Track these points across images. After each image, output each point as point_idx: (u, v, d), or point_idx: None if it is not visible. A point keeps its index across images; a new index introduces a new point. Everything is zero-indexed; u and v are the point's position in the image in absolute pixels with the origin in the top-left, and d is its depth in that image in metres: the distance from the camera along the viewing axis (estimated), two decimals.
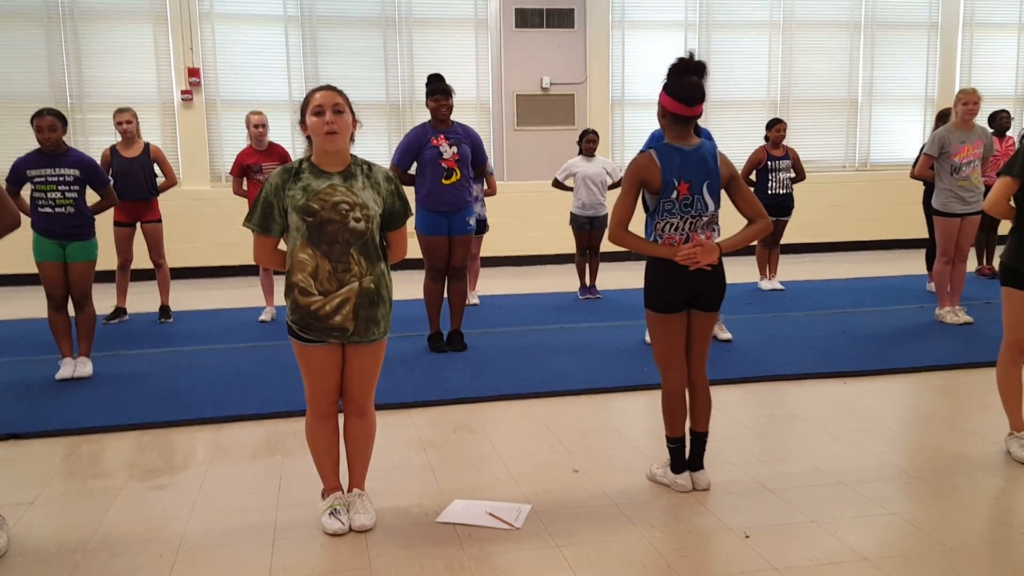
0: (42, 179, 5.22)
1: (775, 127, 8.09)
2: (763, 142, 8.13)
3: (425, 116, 5.93)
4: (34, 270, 5.38)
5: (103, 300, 7.35)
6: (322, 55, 10.06)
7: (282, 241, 3.14)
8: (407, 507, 3.41)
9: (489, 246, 9.50)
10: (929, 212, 7.37)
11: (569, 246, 8.21)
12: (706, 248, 3.28)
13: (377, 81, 10.17)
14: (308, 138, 3.07)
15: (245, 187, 7.00)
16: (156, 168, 7.18)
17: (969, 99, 6.22)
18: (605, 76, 10.62)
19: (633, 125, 10.80)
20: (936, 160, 6.31)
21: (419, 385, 5.12)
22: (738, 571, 2.85)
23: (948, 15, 11.29)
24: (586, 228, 7.89)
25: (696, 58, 3.28)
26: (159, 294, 7.32)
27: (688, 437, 3.53)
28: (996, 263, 8.63)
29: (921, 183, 7.43)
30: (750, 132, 6.24)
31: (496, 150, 10.49)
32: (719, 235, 3.41)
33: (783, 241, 8.46)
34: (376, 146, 9.71)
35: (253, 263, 9.28)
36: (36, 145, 5.31)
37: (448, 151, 5.74)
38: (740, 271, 8.57)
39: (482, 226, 7.56)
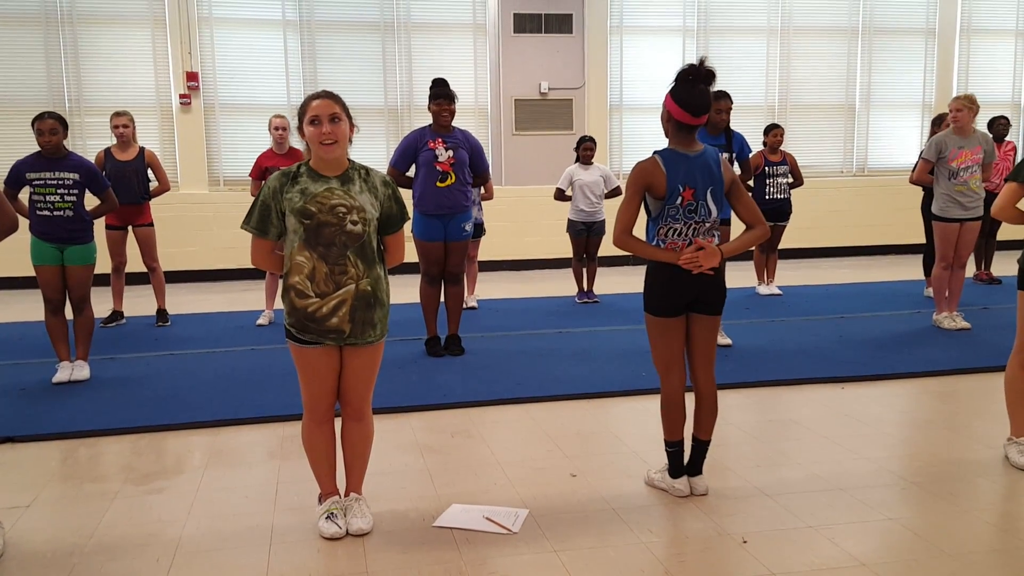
0: (41, 182, 5.21)
1: (772, 132, 8.12)
2: (761, 147, 8.15)
3: (423, 120, 5.93)
4: (32, 273, 5.37)
5: (99, 304, 7.36)
6: (321, 60, 10.07)
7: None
8: (404, 511, 3.40)
9: (487, 250, 9.50)
10: (928, 217, 7.39)
11: (567, 250, 8.22)
12: (708, 252, 3.28)
13: (375, 86, 10.18)
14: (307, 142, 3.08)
15: (263, 188, 7.00)
16: (150, 172, 7.18)
17: (952, 106, 6.29)
18: (603, 81, 10.64)
19: (631, 130, 10.82)
20: (935, 165, 6.33)
21: (417, 389, 5.12)
22: None
23: (945, 21, 11.32)
24: (583, 234, 7.90)
25: (706, 65, 3.26)
26: (155, 298, 7.30)
27: (689, 442, 3.53)
28: (994, 269, 8.64)
29: (920, 188, 7.44)
30: (748, 137, 6.27)
31: (494, 155, 10.50)
32: (718, 241, 3.41)
33: (781, 246, 8.47)
34: (374, 151, 9.71)
35: (250, 267, 9.27)
36: (35, 148, 5.31)
37: (444, 154, 5.74)
38: (738, 276, 8.57)
39: (479, 230, 7.57)
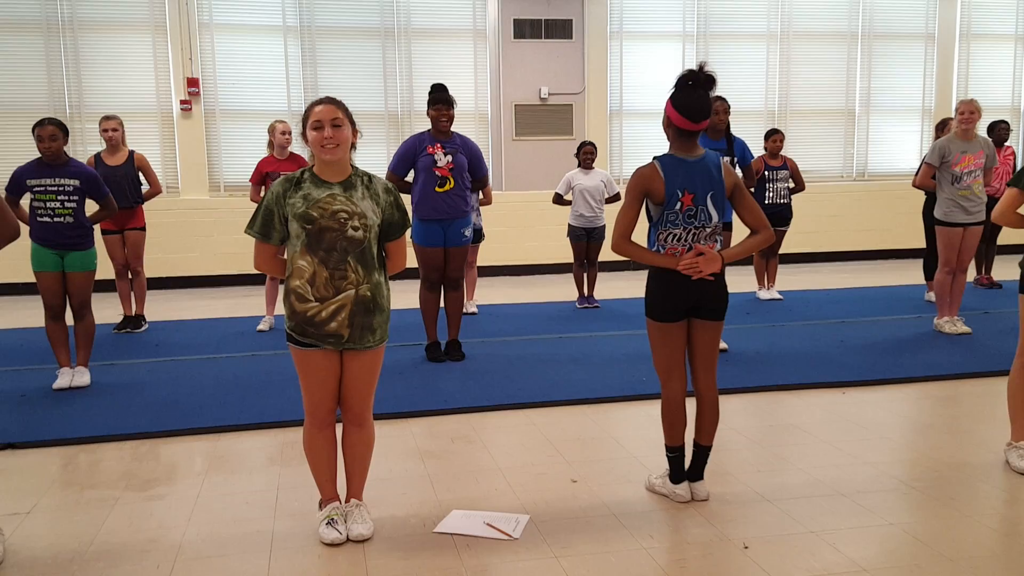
0: (41, 188, 5.22)
1: (773, 137, 8.13)
2: (761, 153, 8.16)
3: (424, 125, 5.94)
4: (32, 279, 5.37)
5: (104, 309, 7.36)
6: (321, 65, 10.09)
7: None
8: (405, 517, 3.40)
9: (487, 256, 9.51)
10: (928, 222, 7.39)
11: (567, 255, 8.22)
12: (708, 257, 3.28)
13: (376, 91, 10.20)
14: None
15: (263, 194, 7.02)
16: (141, 176, 7.17)
17: (965, 109, 6.25)
18: (603, 86, 10.65)
19: (631, 135, 10.83)
20: (938, 170, 6.33)
21: (417, 395, 5.12)
22: None
23: (945, 26, 11.34)
24: (583, 239, 7.90)
25: (706, 70, 3.26)
26: (135, 302, 7.29)
27: (691, 447, 3.52)
28: (995, 273, 8.64)
29: (921, 193, 7.45)
30: (748, 142, 6.28)
31: (494, 160, 10.51)
32: (720, 246, 3.40)
33: (781, 251, 8.47)
34: (375, 156, 9.72)
35: (251, 273, 9.27)
36: (36, 154, 5.31)
37: (443, 159, 5.74)
38: (738, 281, 8.57)
39: (478, 235, 7.57)
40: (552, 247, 9.97)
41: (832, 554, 3.02)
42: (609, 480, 3.76)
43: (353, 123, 3.10)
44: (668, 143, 3.39)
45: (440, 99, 5.76)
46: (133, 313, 7.29)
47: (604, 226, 7.85)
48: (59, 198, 5.23)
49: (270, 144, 6.97)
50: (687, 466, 3.52)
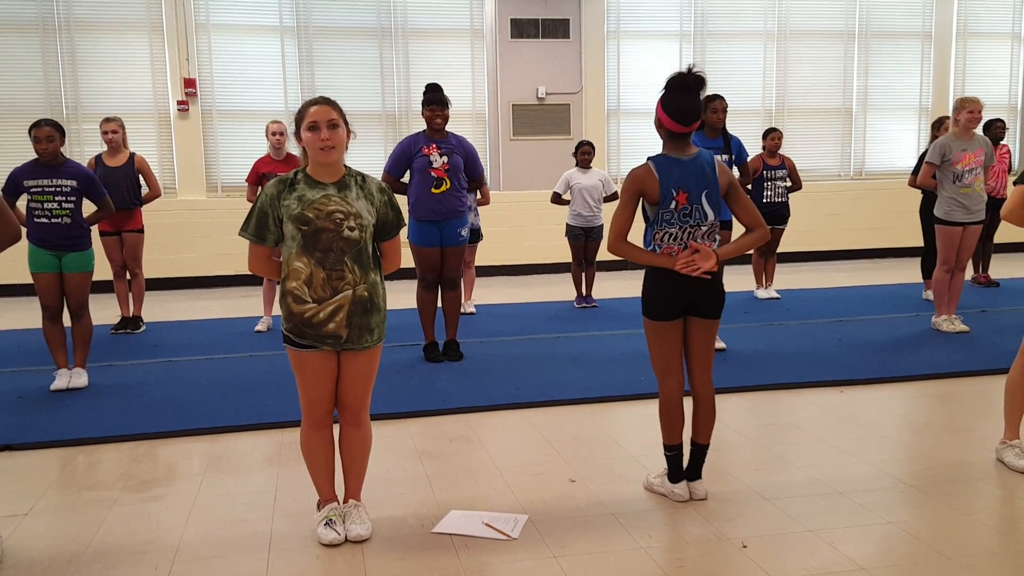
0: (39, 189, 5.21)
1: (771, 136, 8.14)
2: (759, 151, 8.17)
3: (421, 125, 5.93)
4: (29, 280, 5.36)
5: (101, 310, 7.35)
6: (318, 65, 10.08)
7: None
8: (403, 517, 3.40)
9: (485, 255, 9.50)
10: (927, 220, 7.39)
11: (565, 255, 8.21)
12: (704, 254, 3.28)
13: (373, 91, 10.19)
14: (304, 149, 3.09)
15: (260, 195, 7.01)
16: (140, 179, 7.17)
17: (975, 107, 6.23)
18: (601, 86, 10.65)
19: (629, 135, 10.83)
20: (938, 168, 6.32)
21: (415, 395, 5.11)
22: None
23: (942, 24, 11.35)
24: (581, 239, 7.90)
25: (695, 71, 3.24)
26: (132, 304, 7.28)
27: (688, 447, 3.53)
28: (992, 272, 8.64)
29: (918, 191, 7.45)
30: (746, 141, 6.28)
31: (492, 160, 10.51)
32: (718, 244, 3.41)
33: (779, 249, 8.47)
34: (371, 156, 9.71)
35: (248, 273, 9.30)
36: (32, 156, 5.30)
37: (439, 160, 5.74)
38: (736, 280, 8.58)
39: (476, 235, 7.57)
40: (550, 247, 9.97)
41: (830, 553, 3.02)
42: (607, 480, 3.76)
43: (347, 123, 3.09)
44: (661, 143, 3.39)
45: (434, 99, 5.75)
46: (131, 315, 7.28)
47: (602, 225, 7.85)
48: (56, 199, 5.22)
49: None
50: (685, 465, 3.52)
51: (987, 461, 3.87)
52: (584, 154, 7.84)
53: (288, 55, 9.97)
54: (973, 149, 6.25)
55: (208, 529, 3.34)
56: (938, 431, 4.41)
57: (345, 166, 3.12)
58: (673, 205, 3.29)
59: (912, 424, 4.62)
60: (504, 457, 4.09)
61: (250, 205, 3.19)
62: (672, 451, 3.49)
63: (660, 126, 3.35)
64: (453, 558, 3.04)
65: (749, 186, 8.00)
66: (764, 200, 8.03)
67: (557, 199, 7.96)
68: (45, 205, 5.20)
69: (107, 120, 7.04)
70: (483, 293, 8.59)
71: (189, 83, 9.67)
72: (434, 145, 5.76)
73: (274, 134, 6.90)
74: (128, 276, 7.23)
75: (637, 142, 10.75)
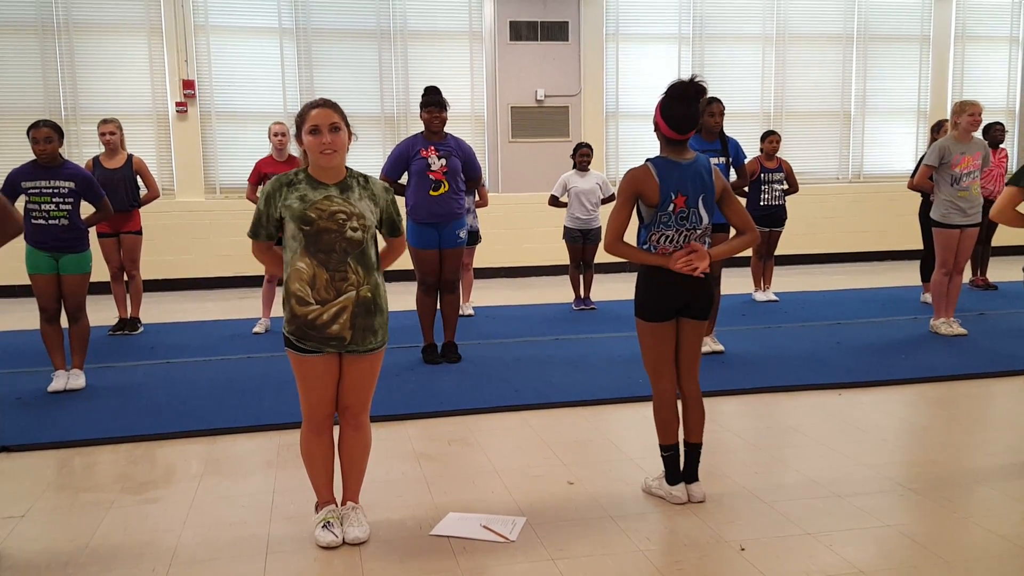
0: (36, 191, 5.20)
1: (769, 138, 8.14)
2: (757, 154, 8.18)
3: (420, 127, 5.93)
4: (27, 281, 5.35)
5: (99, 311, 7.34)
6: (317, 67, 10.08)
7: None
8: (401, 520, 3.39)
9: (484, 257, 9.50)
10: (925, 223, 7.39)
11: (564, 257, 8.21)
12: (700, 254, 3.33)
13: (372, 93, 10.19)
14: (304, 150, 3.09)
15: (259, 194, 7.01)
16: (139, 180, 7.16)
17: (975, 110, 6.25)
18: (599, 88, 10.66)
19: (627, 137, 10.83)
20: (936, 171, 6.33)
21: (413, 397, 5.11)
22: None
23: (940, 28, 11.37)
24: (579, 241, 7.90)
25: (697, 80, 3.27)
26: (130, 305, 7.28)
27: (682, 448, 3.53)
28: (990, 275, 8.64)
29: (917, 194, 7.46)
30: (744, 144, 6.30)
31: (491, 162, 10.51)
32: (709, 247, 3.44)
33: (777, 252, 8.48)
34: (371, 158, 9.69)
35: (247, 275, 9.29)
36: (30, 157, 5.30)
37: (437, 163, 5.73)
38: (735, 283, 8.59)
39: (474, 237, 7.57)
40: (549, 249, 9.96)
41: (829, 556, 3.02)
42: (606, 482, 3.76)
43: (348, 126, 3.09)
44: (659, 145, 3.42)
45: (433, 101, 5.75)
46: (128, 316, 7.27)
47: (600, 227, 7.85)
48: (54, 200, 5.21)
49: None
50: (681, 467, 3.53)
51: (986, 464, 3.88)
52: (583, 156, 7.84)
53: (287, 57, 9.97)
54: (972, 152, 6.26)
55: (206, 531, 3.33)
56: (937, 434, 4.41)
57: (347, 167, 3.12)
58: (671, 208, 3.31)
59: (911, 427, 4.62)
60: (502, 459, 4.09)
61: (250, 204, 3.21)
62: (668, 451, 3.50)
63: (657, 130, 3.39)
64: (451, 560, 3.03)
65: (746, 188, 8.02)
66: (761, 203, 8.04)
67: (554, 202, 7.97)
68: (42, 207, 5.19)
69: (105, 121, 7.04)
70: (482, 295, 8.59)
71: (188, 85, 9.67)
72: (432, 148, 5.76)
73: (276, 135, 6.91)
74: (126, 278, 7.23)
75: (636, 144, 10.75)
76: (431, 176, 5.73)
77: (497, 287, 9.54)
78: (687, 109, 3.27)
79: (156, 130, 9.78)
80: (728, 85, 10.66)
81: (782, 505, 3.46)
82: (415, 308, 6.02)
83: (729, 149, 5.86)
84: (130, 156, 7.11)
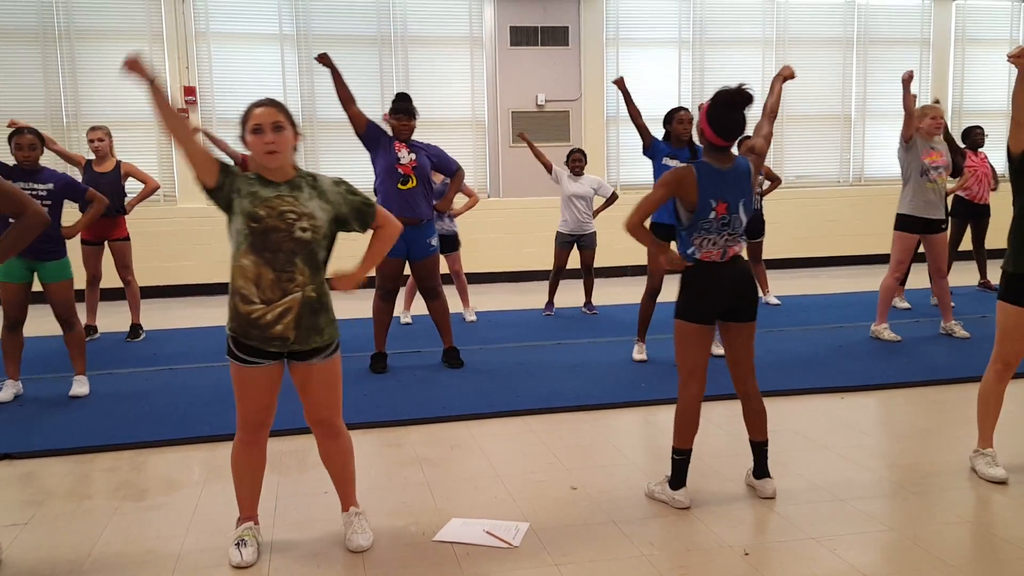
0: None
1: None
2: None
3: (418, 133, 5.88)
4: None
5: (103, 318, 7.34)
6: (318, 73, 10.06)
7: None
8: (404, 526, 3.39)
9: (485, 262, 9.52)
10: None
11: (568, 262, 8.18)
12: (675, 259, 3.46)
13: (373, 99, 10.16)
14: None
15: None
16: (133, 181, 7.13)
17: (937, 113, 6.44)
18: (600, 93, 10.67)
19: (628, 142, 10.83)
20: (907, 160, 6.39)
21: (415, 402, 5.11)
22: None
23: (940, 31, 11.38)
24: (568, 247, 7.90)
25: (744, 88, 3.34)
26: (129, 313, 7.27)
27: (746, 448, 3.61)
28: (993, 276, 8.64)
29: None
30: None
31: (491, 167, 10.53)
32: (745, 245, 3.50)
33: (777, 256, 8.45)
34: (368, 162, 9.71)
35: None
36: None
37: (406, 157, 5.67)
38: None
39: (454, 242, 7.53)
40: (550, 253, 9.87)
41: (833, 560, 3.01)
42: (609, 487, 3.76)
43: (295, 125, 3.02)
44: (702, 149, 3.49)
45: (401, 109, 5.69)
46: (94, 323, 7.21)
47: (594, 232, 7.87)
48: None
49: None
50: (752, 466, 3.61)
51: None
52: (575, 161, 7.84)
53: (288, 63, 9.99)
54: (939, 149, 6.40)
55: (209, 538, 3.33)
56: (939, 438, 4.41)
57: (295, 167, 3.06)
58: (712, 215, 3.35)
59: (914, 431, 4.61)
60: (505, 465, 4.09)
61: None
62: (681, 455, 3.50)
63: (701, 135, 3.43)
64: (454, 566, 3.03)
65: None
66: None
67: (548, 169, 7.75)
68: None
69: (93, 129, 7.06)
70: (483, 300, 8.59)
71: (189, 91, 9.69)
72: (402, 144, 5.72)
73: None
74: (122, 284, 7.20)
75: (636, 149, 10.67)
76: (400, 170, 5.63)
77: (498, 292, 9.54)
78: (734, 115, 3.33)
79: (157, 136, 9.79)
80: None
81: (785, 509, 3.46)
82: (424, 313, 5.91)
83: (699, 157, 5.86)
84: (118, 162, 7.09)
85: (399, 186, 5.65)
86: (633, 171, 10.54)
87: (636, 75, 10.73)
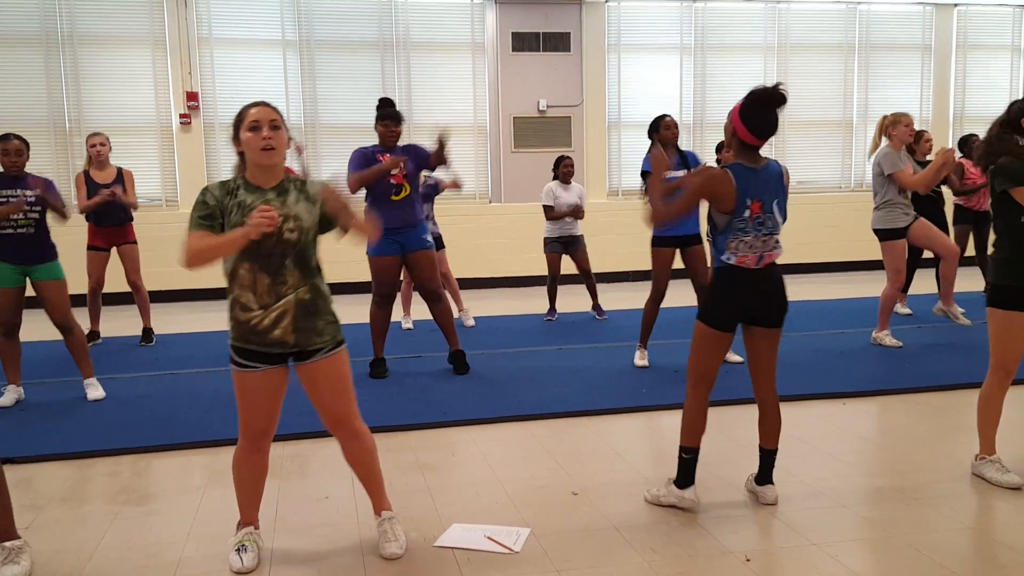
0: (3, 199, 5.14)
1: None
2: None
3: (418, 138, 5.91)
4: (30, 292, 5.31)
5: (109, 322, 7.35)
6: (320, 79, 10.13)
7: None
8: (405, 531, 3.37)
9: (486, 267, 9.52)
10: (940, 223, 7.40)
11: (567, 267, 8.21)
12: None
13: (375, 104, 10.19)
14: (240, 155, 3.03)
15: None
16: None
17: (909, 121, 6.38)
18: (601, 99, 10.68)
19: (629, 147, 10.85)
20: (886, 178, 6.35)
21: (416, 407, 5.10)
22: None
23: (942, 37, 11.39)
24: (559, 251, 7.92)
25: (780, 87, 3.32)
26: (140, 318, 7.27)
27: (758, 453, 3.60)
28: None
29: (917, 197, 7.45)
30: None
31: (493, 172, 10.54)
32: (780, 246, 3.46)
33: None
34: None
35: None
36: (33, 170, 5.29)
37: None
38: None
39: (437, 243, 7.54)
40: None
41: (834, 566, 3.00)
42: (610, 493, 3.75)
43: (287, 129, 3.04)
44: (733, 150, 3.44)
45: (388, 115, 5.70)
46: (95, 329, 7.23)
47: (581, 235, 7.94)
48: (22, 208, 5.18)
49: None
50: (756, 472, 3.60)
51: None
52: (567, 167, 7.87)
53: (290, 69, 10.02)
54: (908, 162, 6.40)
55: (210, 543, 3.32)
56: (942, 443, 4.40)
57: (284, 172, 3.06)
58: (747, 214, 3.34)
59: (915, 436, 4.60)
60: (506, 470, 4.08)
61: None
62: (689, 453, 3.49)
63: (733, 135, 3.41)
64: (455, 572, 3.03)
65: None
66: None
67: (550, 212, 7.90)
68: (10, 216, 5.15)
69: (93, 135, 7.08)
70: (484, 305, 8.59)
71: (192, 97, 9.72)
72: (388, 154, 5.71)
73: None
74: (128, 289, 7.22)
75: (638, 154, 10.71)
76: (392, 181, 5.64)
77: (500, 297, 9.54)
78: (768, 115, 3.33)
79: (160, 142, 9.82)
80: (729, 96, 10.64)
81: (787, 515, 3.45)
82: (427, 317, 5.92)
83: (689, 161, 5.87)
84: (119, 170, 7.09)
85: (392, 197, 5.66)
86: (635, 176, 10.52)
87: (638, 81, 10.79)
